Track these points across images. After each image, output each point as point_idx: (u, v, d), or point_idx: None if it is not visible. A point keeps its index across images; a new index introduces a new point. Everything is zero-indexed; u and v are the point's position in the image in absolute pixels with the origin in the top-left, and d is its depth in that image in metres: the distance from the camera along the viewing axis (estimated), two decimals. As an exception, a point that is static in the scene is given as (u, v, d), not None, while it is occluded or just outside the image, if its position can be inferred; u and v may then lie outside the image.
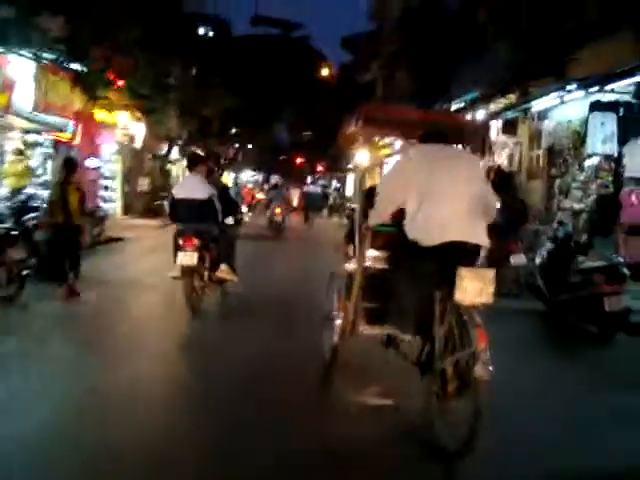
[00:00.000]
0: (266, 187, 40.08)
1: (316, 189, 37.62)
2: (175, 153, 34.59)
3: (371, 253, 5.27)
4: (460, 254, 4.29)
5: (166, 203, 9.42)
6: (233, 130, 51.52)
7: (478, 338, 3.88)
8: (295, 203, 30.81)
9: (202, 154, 11.73)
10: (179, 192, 8.43)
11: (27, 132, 16.50)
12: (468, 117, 16.98)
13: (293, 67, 43.94)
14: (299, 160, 70.84)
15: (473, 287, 3.99)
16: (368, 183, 6.09)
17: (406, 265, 4.52)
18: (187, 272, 7.81)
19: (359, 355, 5.82)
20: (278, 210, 21.92)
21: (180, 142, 33.90)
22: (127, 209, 25.13)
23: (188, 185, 8.57)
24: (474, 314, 4.02)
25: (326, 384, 5.53)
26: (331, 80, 46.02)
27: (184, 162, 36.71)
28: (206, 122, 41.83)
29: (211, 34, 40.66)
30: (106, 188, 22.75)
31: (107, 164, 23.29)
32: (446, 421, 4.15)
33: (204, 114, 34.93)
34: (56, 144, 21.02)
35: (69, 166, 9.20)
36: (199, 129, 41.49)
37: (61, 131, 16.70)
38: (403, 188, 4.55)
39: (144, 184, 25.89)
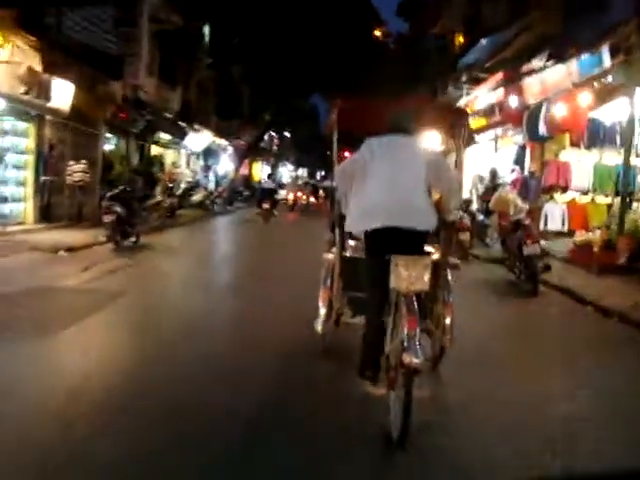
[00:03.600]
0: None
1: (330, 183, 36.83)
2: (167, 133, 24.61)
3: (351, 242, 5.51)
4: (399, 240, 4.13)
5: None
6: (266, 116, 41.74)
7: (407, 325, 3.74)
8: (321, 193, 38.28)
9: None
10: (264, 185, 25.84)
11: None
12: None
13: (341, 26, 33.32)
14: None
15: (407, 274, 3.93)
16: None
17: (364, 253, 4.50)
18: (266, 210, 21.73)
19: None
20: (304, 197, 33.70)
21: (169, 115, 23.75)
22: (47, 213, 15.17)
23: (267, 183, 26.45)
24: (410, 301, 3.88)
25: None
26: (387, 48, 35.33)
27: (187, 146, 29.90)
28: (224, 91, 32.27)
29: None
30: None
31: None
32: (393, 409, 3.91)
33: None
34: None
35: None
36: (221, 105, 32.15)
37: None
38: (351, 176, 4.53)
39: (78, 171, 15.74)
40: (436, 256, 4.86)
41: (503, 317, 8.32)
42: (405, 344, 3.68)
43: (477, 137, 18.42)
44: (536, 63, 13.47)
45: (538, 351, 6.63)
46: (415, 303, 3.86)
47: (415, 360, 3.61)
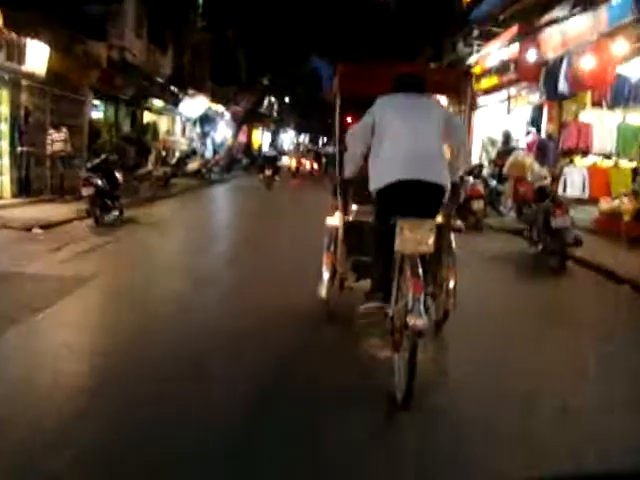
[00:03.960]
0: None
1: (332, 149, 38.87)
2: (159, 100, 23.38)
3: (355, 207, 5.45)
4: (417, 195, 4.09)
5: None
6: (264, 81, 40.22)
7: (412, 287, 3.73)
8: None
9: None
10: (266, 153, 27.92)
11: None
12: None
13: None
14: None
15: (412, 237, 3.92)
16: None
17: (374, 214, 4.45)
18: (268, 177, 22.09)
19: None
20: (307, 164, 33.97)
21: (161, 80, 22.52)
22: (26, 186, 14.10)
23: (269, 151, 30.56)
24: (414, 263, 3.85)
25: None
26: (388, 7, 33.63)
27: (182, 112, 28.76)
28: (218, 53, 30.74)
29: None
30: None
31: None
32: (397, 371, 3.91)
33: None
34: None
35: None
36: (217, 70, 30.70)
37: None
38: (363, 138, 4.45)
39: (58, 140, 14.60)
40: (440, 219, 4.78)
41: (523, 294, 7.30)
42: (409, 306, 3.69)
43: (487, 98, 17.21)
44: (557, 12, 12.19)
45: (561, 329, 5.78)
46: (420, 266, 3.85)
47: (420, 322, 3.62)
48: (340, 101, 5.49)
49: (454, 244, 5.17)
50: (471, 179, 13.11)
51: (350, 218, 5.36)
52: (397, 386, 3.81)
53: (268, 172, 22.27)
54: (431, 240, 3.95)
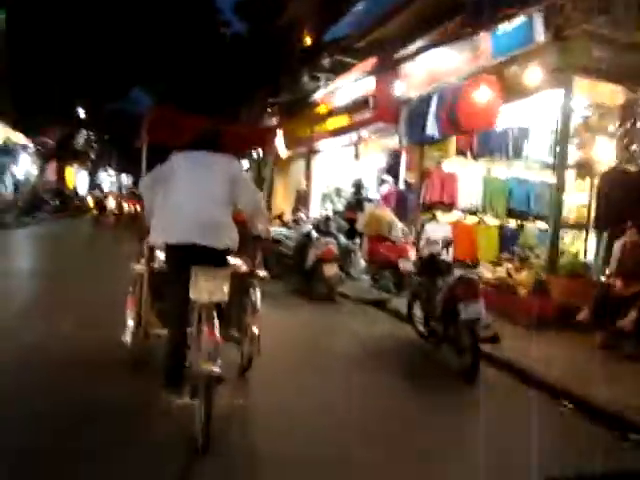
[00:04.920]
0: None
1: None
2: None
3: (159, 254, 5.25)
4: (198, 255, 4.18)
5: None
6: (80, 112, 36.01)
7: (207, 335, 3.87)
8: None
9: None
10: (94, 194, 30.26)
11: None
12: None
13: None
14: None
15: (207, 285, 4.00)
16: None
17: (166, 266, 4.53)
18: (96, 217, 25.18)
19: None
20: (130, 205, 27.68)
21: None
22: None
23: (96, 192, 29.89)
24: (210, 311, 3.97)
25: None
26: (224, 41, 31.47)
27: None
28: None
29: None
30: None
31: None
32: (197, 417, 3.88)
33: None
34: None
35: None
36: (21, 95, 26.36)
37: None
38: (154, 191, 4.51)
39: None
40: (244, 268, 4.91)
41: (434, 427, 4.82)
42: (205, 353, 3.80)
43: (334, 140, 15.18)
44: (422, 43, 10.33)
45: None
46: (215, 313, 3.96)
47: (215, 369, 3.73)
48: (147, 146, 5.49)
49: (259, 293, 5.21)
50: (315, 234, 10.73)
51: (155, 265, 5.25)
52: (197, 431, 3.80)
53: (96, 213, 24.95)
54: (226, 288, 4.03)
